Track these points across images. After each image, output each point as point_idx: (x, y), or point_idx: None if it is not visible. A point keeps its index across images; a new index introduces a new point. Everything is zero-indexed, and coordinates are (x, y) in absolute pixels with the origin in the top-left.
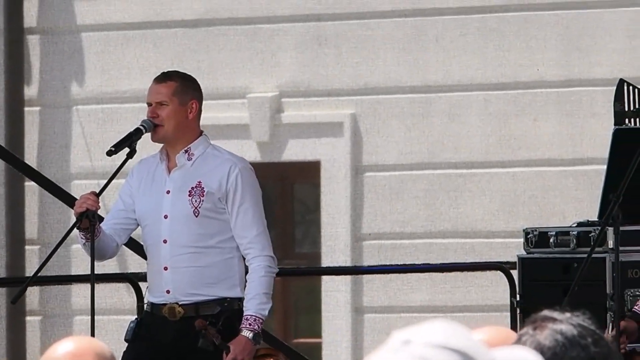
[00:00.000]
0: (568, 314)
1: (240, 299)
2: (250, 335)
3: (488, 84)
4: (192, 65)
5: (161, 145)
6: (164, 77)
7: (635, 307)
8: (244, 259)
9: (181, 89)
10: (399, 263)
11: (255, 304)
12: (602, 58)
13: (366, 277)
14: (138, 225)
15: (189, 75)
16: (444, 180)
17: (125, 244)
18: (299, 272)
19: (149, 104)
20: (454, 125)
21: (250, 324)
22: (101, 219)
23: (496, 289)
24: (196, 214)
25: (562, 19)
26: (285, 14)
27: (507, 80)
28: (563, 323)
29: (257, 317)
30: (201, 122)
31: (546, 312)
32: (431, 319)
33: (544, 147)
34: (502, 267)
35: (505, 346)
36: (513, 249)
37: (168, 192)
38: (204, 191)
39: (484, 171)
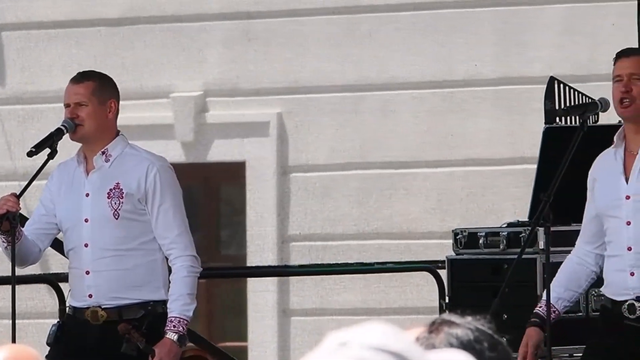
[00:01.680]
0: (467, 318)
1: (165, 302)
2: (175, 337)
3: (424, 81)
4: (115, 64)
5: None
6: (82, 77)
7: (537, 308)
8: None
9: (99, 88)
10: (325, 264)
11: (179, 305)
12: (541, 54)
13: (293, 279)
14: (60, 230)
15: (106, 75)
16: (376, 179)
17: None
18: (224, 274)
19: (67, 105)
20: (387, 122)
21: (174, 326)
22: (24, 220)
23: (430, 290)
24: (116, 217)
25: (500, 14)
26: (211, 12)
27: (443, 76)
28: (460, 327)
29: (181, 318)
30: (124, 122)
31: (444, 316)
32: (360, 321)
33: (481, 145)
34: (431, 268)
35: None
36: (450, 250)
37: (87, 195)
38: (123, 193)
39: (419, 171)
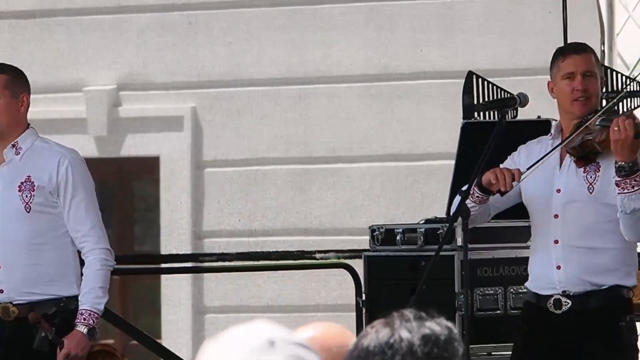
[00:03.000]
0: (422, 314)
1: (77, 298)
2: (84, 330)
3: (367, 74)
4: (27, 57)
5: None
6: None
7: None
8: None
9: (12, 82)
10: (240, 261)
11: (91, 298)
12: (487, 44)
13: (207, 276)
14: None
15: (17, 68)
16: (299, 173)
17: None
18: (137, 271)
19: None
20: (330, 112)
21: (85, 319)
22: None
23: (350, 287)
24: (28, 210)
25: (445, 4)
26: (124, 4)
27: (388, 64)
28: (411, 323)
29: (92, 311)
30: (36, 116)
31: (402, 311)
32: (276, 318)
33: (425, 135)
34: (348, 265)
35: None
36: None
37: None
38: (35, 185)
39: (349, 165)
